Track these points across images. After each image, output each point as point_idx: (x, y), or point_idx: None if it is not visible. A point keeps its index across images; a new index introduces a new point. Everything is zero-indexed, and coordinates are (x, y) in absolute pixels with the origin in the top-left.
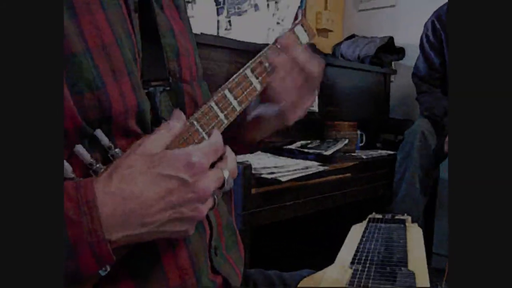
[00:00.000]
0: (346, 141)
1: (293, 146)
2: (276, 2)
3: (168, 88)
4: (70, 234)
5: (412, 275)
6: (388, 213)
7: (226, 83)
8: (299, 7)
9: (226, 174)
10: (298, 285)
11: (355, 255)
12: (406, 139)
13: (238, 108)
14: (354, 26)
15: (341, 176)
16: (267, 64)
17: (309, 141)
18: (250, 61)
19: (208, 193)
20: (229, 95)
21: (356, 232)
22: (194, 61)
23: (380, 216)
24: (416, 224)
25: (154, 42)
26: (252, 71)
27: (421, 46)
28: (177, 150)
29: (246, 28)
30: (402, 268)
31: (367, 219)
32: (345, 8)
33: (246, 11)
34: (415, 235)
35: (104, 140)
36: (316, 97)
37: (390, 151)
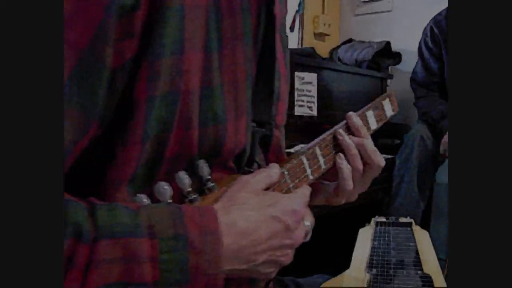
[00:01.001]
0: None
1: (292, 150)
2: None
3: (268, 133)
4: (190, 261)
5: (429, 278)
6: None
7: (317, 140)
8: (297, 11)
9: (309, 225)
10: None
11: (369, 259)
12: (405, 143)
13: (323, 167)
14: (350, 30)
15: None
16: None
17: (297, 149)
18: (341, 123)
19: (300, 242)
20: (318, 153)
21: (364, 236)
22: (286, 107)
23: (384, 219)
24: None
25: (267, 85)
26: (344, 131)
27: (420, 51)
28: (285, 195)
29: None
30: (419, 272)
31: (374, 223)
32: (342, 13)
33: None
34: (423, 238)
35: (206, 171)
36: (315, 101)
37: (388, 155)
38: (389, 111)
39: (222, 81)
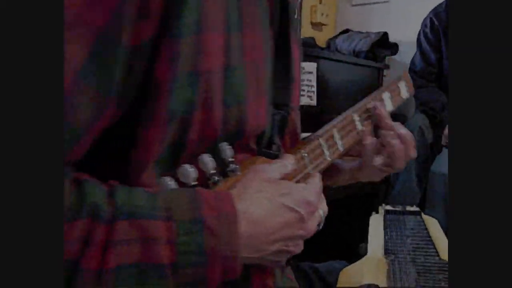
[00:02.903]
0: None
1: None
2: None
3: (286, 115)
4: (207, 244)
5: (447, 264)
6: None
7: (334, 122)
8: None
9: (322, 215)
10: (340, 278)
11: (385, 245)
12: None
13: (341, 150)
14: (347, 20)
15: None
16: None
17: (309, 134)
18: (357, 104)
19: (312, 233)
20: (336, 135)
21: (375, 224)
22: (299, 89)
23: (392, 207)
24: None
25: (284, 68)
26: (359, 115)
27: (418, 42)
28: (299, 185)
29: None
30: (436, 257)
31: (383, 211)
32: (339, 3)
33: None
34: (434, 226)
35: (228, 153)
36: (315, 90)
37: None
38: (404, 92)
39: (243, 61)
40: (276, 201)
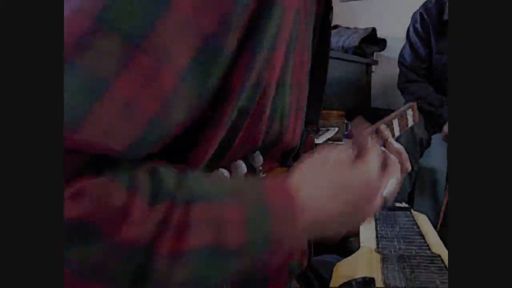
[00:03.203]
0: (336, 129)
1: None
2: None
3: (314, 134)
4: (273, 230)
5: (439, 257)
6: None
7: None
8: None
9: (391, 187)
10: (334, 272)
11: (377, 241)
12: None
13: None
14: (336, 16)
15: None
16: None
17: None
18: (371, 129)
19: (368, 217)
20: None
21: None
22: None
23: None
24: (416, 212)
25: (319, 89)
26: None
27: (408, 36)
28: (359, 167)
29: None
30: (427, 251)
31: None
32: None
33: None
34: (424, 222)
35: (259, 162)
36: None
37: None
38: (411, 120)
39: (292, 79)
40: (337, 182)
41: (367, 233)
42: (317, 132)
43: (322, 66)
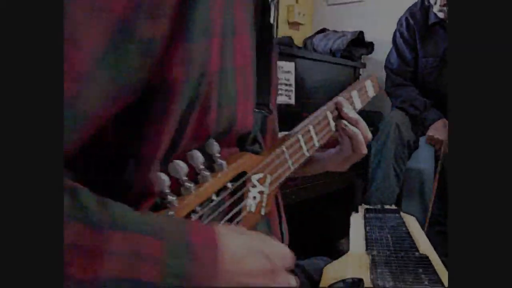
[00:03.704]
0: None
1: None
2: None
3: (268, 115)
4: (190, 270)
5: (427, 258)
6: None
7: (310, 119)
8: (271, 1)
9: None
10: (324, 274)
11: (366, 242)
12: (381, 130)
13: (317, 145)
14: (323, 20)
15: None
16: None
17: (288, 132)
18: (330, 103)
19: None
20: (312, 131)
21: (356, 222)
22: (277, 90)
23: (372, 206)
24: (405, 213)
25: (266, 71)
26: (331, 113)
27: (394, 41)
28: (276, 242)
29: None
30: (416, 253)
31: (363, 210)
32: (315, 2)
33: None
34: (413, 223)
35: (215, 149)
36: (293, 90)
37: None
38: (371, 92)
39: (235, 65)
40: (256, 245)
41: (357, 235)
42: (270, 114)
43: (267, 49)
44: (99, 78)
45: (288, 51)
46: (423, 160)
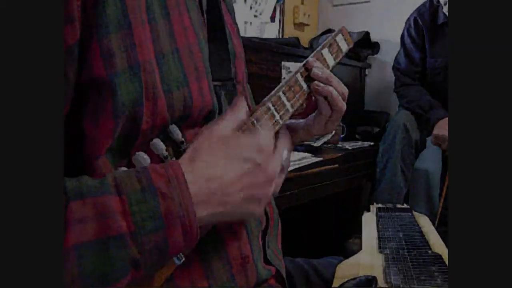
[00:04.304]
0: (333, 132)
1: None
2: None
3: (231, 89)
4: (161, 208)
5: (439, 256)
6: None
7: (280, 86)
8: (277, 2)
9: (285, 154)
10: (337, 272)
11: (379, 241)
12: (389, 130)
13: (291, 110)
14: (329, 20)
15: (330, 166)
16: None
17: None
18: (299, 66)
19: (275, 174)
20: (283, 97)
21: (369, 221)
22: (244, 64)
23: (384, 206)
24: (416, 213)
25: (222, 45)
26: (301, 75)
27: (402, 41)
28: (248, 135)
29: None
30: (429, 251)
31: (375, 209)
32: (321, 3)
33: None
34: (425, 222)
35: (178, 135)
36: None
37: (368, 142)
38: (344, 45)
39: (177, 46)
40: (227, 155)
41: (369, 234)
42: (234, 87)
43: (218, 25)
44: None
45: (295, 51)
46: (430, 160)
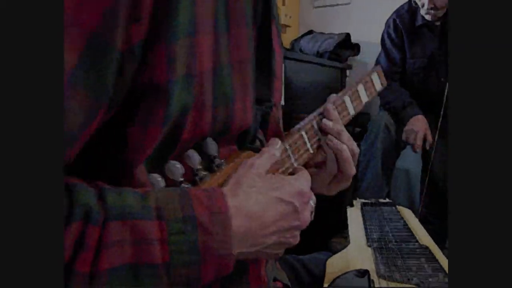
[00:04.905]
0: None
1: None
2: None
3: (269, 111)
4: (199, 242)
5: (427, 248)
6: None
7: (312, 115)
8: None
9: (313, 204)
10: (328, 266)
11: (366, 235)
12: (370, 130)
13: (305, 156)
14: (310, 22)
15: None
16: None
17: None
18: (318, 111)
19: (307, 223)
20: (316, 127)
21: (354, 215)
22: (282, 84)
23: (368, 200)
24: (401, 207)
25: (266, 64)
26: (317, 123)
27: (383, 42)
28: (291, 177)
29: None
30: (416, 243)
31: (359, 204)
32: (302, 5)
33: None
34: (409, 216)
35: (214, 149)
36: (283, 90)
37: None
38: (378, 84)
39: (231, 61)
40: (269, 195)
41: (356, 229)
42: (271, 109)
43: (266, 42)
44: (72, 95)
45: None
46: (411, 160)
